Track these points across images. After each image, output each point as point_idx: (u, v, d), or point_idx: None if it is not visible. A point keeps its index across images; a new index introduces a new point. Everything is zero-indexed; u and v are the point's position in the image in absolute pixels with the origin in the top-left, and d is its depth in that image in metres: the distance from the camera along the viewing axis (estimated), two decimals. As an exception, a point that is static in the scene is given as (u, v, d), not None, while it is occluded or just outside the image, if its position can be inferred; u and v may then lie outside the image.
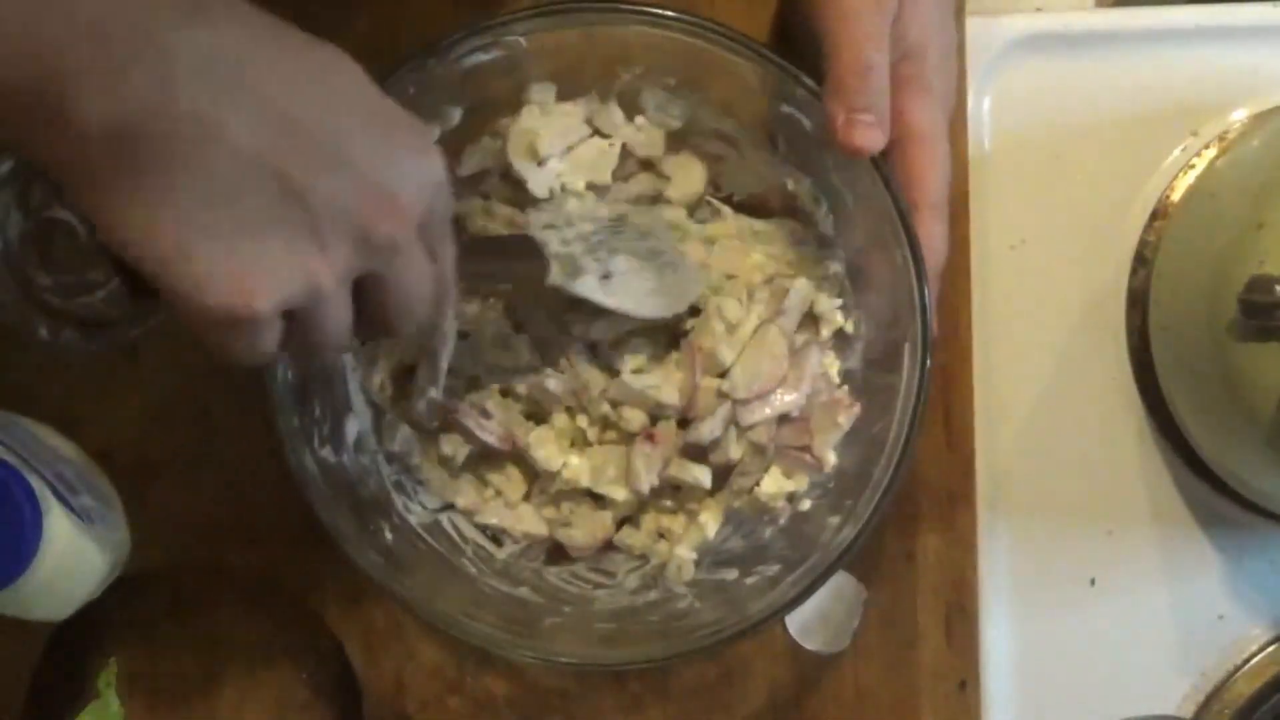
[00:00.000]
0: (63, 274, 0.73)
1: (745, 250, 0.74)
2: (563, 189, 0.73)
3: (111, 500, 0.74)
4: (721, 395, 0.72)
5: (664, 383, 0.72)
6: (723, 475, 0.73)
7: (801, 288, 0.73)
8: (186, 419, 0.76)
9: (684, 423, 0.73)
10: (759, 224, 0.75)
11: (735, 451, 0.72)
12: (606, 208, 0.73)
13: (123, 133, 0.49)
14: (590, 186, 0.73)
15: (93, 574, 0.70)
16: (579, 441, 0.73)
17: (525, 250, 0.69)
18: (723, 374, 0.72)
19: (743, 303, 0.73)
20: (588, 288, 0.70)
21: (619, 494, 0.72)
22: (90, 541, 0.69)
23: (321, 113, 0.52)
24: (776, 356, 0.72)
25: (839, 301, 0.74)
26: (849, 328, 0.74)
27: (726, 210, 0.75)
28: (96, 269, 0.73)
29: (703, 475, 0.72)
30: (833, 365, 0.73)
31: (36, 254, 0.73)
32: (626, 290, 0.71)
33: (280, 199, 0.51)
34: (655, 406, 0.72)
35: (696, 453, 0.72)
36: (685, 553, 0.73)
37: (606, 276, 0.70)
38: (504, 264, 0.68)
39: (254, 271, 0.52)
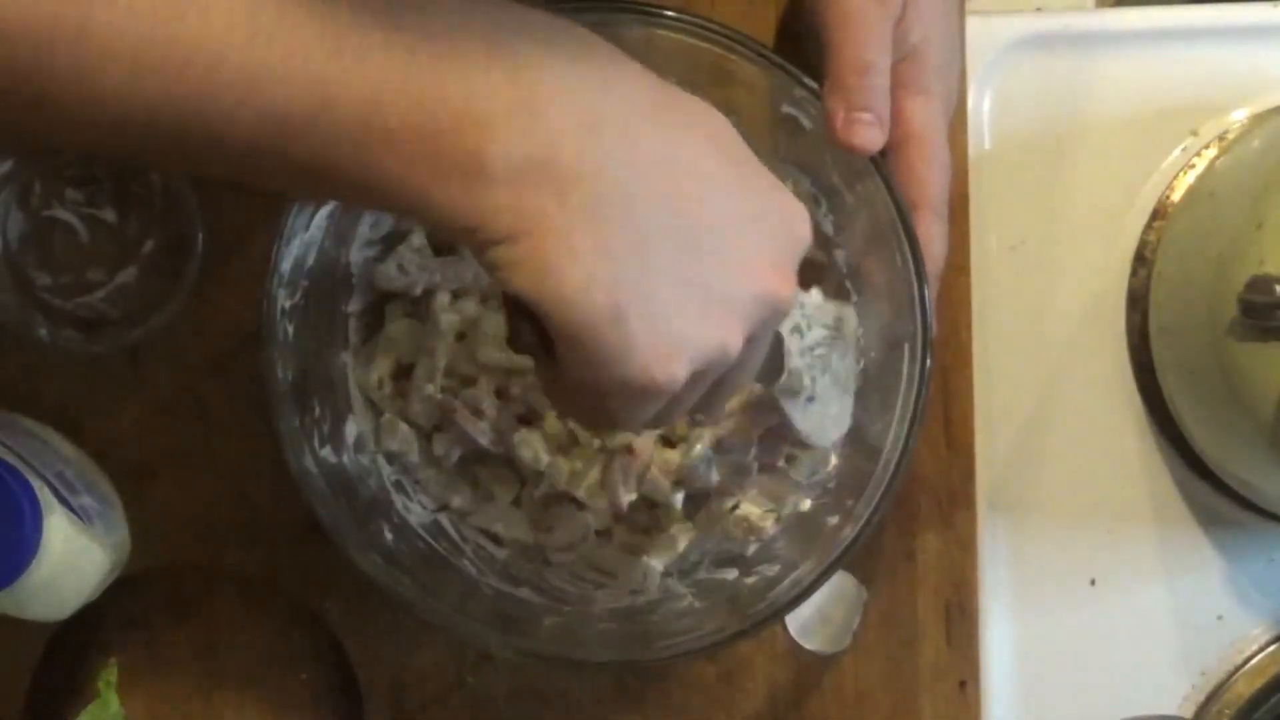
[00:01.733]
0: (63, 274, 0.73)
1: None
2: None
3: (111, 500, 0.74)
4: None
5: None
6: (701, 498, 0.73)
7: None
8: (186, 419, 0.76)
9: (668, 444, 0.73)
10: None
11: (715, 475, 0.72)
12: (831, 307, 0.71)
13: (550, 173, 0.47)
14: None
15: (93, 574, 0.70)
16: (567, 446, 0.73)
17: (775, 348, 0.64)
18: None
19: None
20: (794, 408, 0.68)
21: (598, 501, 0.72)
22: (90, 541, 0.69)
23: (707, 170, 0.51)
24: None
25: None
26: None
27: None
28: (96, 269, 0.73)
29: (675, 498, 0.72)
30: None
31: (36, 254, 0.73)
32: (816, 417, 0.69)
33: (692, 263, 0.50)
34: None
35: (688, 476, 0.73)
36: (655, 563, 0.73)
37: (810, 399, 0.68)
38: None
39: (678, 338, 0.50)
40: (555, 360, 0.51)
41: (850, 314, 0.71)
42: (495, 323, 0.73)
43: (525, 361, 0.72)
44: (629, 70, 0.52)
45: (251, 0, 0.45)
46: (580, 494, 0.72)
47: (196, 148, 0.46)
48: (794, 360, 0.66)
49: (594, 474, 0.72)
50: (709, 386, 0.54)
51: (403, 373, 0.73)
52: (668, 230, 0.50)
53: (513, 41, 0.49)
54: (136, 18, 0.44)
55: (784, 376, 0.66)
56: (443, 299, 0.72)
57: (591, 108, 0.49)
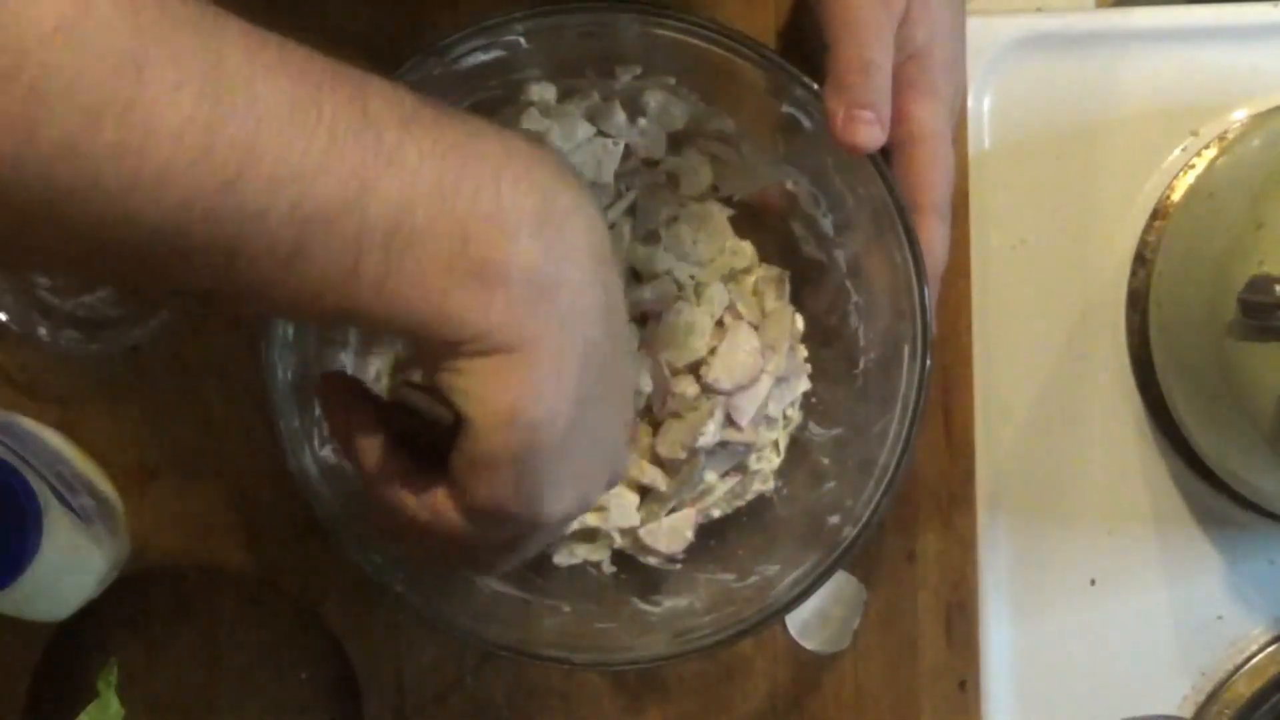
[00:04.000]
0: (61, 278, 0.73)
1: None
2: None
3: (111, 500, 0.74)
4: (706, 391, 0.72)
5: (638, 370, 0.72)
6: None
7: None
8: (186, 419, 0.76)
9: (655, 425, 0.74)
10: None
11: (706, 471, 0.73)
12: None
13: (546, 287, 0.48)
14: (594, 185, 0.73)
15: (93, 574, 0.70)
16: None
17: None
18: (695, 370, 0.72)
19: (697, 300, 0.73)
20: None
21: None
22: (90, 541, 0.69)
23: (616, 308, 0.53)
24: (750, 350, 0.72)
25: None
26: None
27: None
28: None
29: (659, 479, 0.73)
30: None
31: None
32: None
33: (619, 392, 0.53)
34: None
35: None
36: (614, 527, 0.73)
37: None
38: None
39: (583, 489, 0.53)
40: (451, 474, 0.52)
41: None
42: None
43: None
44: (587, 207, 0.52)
45: (291, 84, 0.44)
46: None
47: (214, 247, 0.44)
48: None
49: None
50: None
51: (401, 368, 0.73)
52: (608, 376, 0.51)
53: (526, 157, 0.49)
54: (181, 94, 0.42)
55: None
56: None
57: (586, 239, 0.50)
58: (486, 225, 0.47)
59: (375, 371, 0.73)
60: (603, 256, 0.51)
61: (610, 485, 0.55)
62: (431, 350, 0.49)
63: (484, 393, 0.49)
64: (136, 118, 0.41)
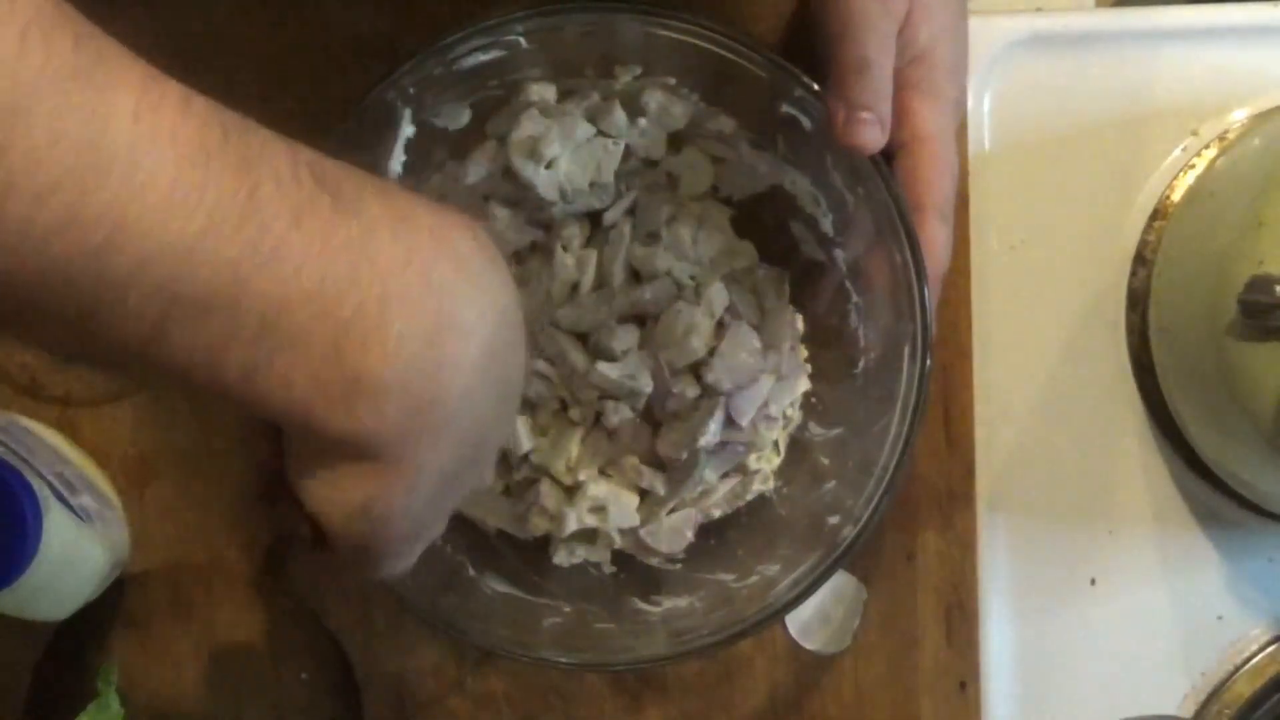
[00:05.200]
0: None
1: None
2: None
3: (111, 500, 0.74)
4: (707, 392, 0.72)
5: (639, 371, 0.72)
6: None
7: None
8: (186, 419, 0.76)
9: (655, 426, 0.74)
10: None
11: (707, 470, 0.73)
12: None
13: (409, 399, 0.46)
14: (594, 185, 0.73)
15: (93, 574, 0.70)
16: (547, 427, 0.74)
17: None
18: (695, 370, 0.72)
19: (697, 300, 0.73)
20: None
21: (566, 477, 0.73)
22: (90, 541, 0.69)
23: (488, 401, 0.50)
24: (750, 350, 0.72)
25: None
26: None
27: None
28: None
29: (658, 482, 0.73)
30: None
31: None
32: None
33: (464, 480, 0.52)
34: (630, 395, 0.72)
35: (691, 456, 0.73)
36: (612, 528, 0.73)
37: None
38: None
39: (422, 543, 0.53)
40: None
41: None
42: None
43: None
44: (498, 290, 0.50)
45: (177, 156, 0.41)
46: (551, 465, 0.72)
47: (74, 311, 0.42)
48: None
49: (572, 450, 0.72)
50: None
51: None
52: (483, 442, 0.51)
53: (429, 254, 0.47)
54: (54, 152, 0.39)
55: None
56: None
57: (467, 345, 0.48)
58: (365, 339, 0.45)
59: None
60: (496, 344, 0.48)
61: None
62: (294, 440, 0.49)
63: (332, 493, 0.48)
64: (1, 170, 0.39)
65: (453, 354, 0.47)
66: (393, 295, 0.45)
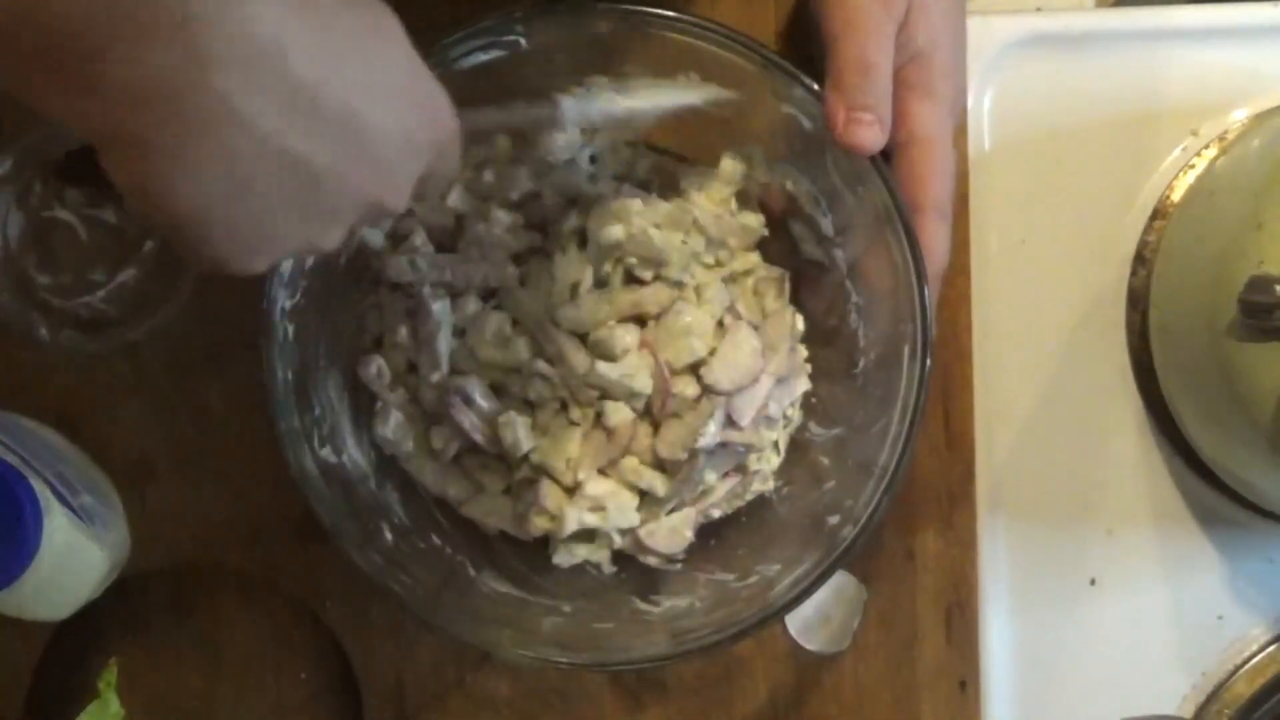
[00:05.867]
0: (63, 274, 0.73)
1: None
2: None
3: (111, 500, 0.74)
4: (707, 392, 0.72)
5: (638, 371, 0.72)
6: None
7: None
8: (186, 419, 0.76)
9: (655, 425, 0.74)
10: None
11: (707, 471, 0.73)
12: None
13: (152, 101, 0.48)
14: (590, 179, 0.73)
15: (93, 574, 0.70)
16: (547, 426, 0.74)
17: (534, 101, 0.66)
18: (695, 370, 0.72)
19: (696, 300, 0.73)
20: (603, 101, 0.67)
21: (566, 476, 0.73)
22: (90, 541, 0.69)
23: (344, 91, 0.51)
24: (750, 351, 0.72)
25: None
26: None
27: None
28: (96, 269, 0.73)
29: (658, 483, 0.73)
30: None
31: (36, 254, 0.73)
32: (641, 94, 0.69)
33: (296, 180, 0.51)
34: (630, 395, 0.72)
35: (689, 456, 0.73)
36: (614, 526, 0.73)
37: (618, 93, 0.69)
38: (508, 113, 0.65)
39: (259, 245, 0.53)
40: None
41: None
42: (496, 321, 0.73)
43: (526, 359, 0.73)
44: None
45: None
46: (551, 464, 0.72)
47: None
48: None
49: (572, 450, 0.72)
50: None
51: (401, 363, 0.74)
52: (278, 156, 0.50)
53: None
54: None
55: (562, 102, 0.66)
56: (436, 294, 0.72)
57: (237, 24, 0.48)
58: (78, 38, 0.47)
59: (375, 369, 0.73)
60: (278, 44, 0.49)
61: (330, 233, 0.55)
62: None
63: (117, 176, 0.50)
64: None
65: (196, 44, 0.47)
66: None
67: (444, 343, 0.72)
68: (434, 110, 0.56)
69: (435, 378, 0.72)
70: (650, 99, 0.69)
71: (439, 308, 0.72)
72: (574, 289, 0.73)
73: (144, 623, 0.76)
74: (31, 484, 0.65)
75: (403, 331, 0.73)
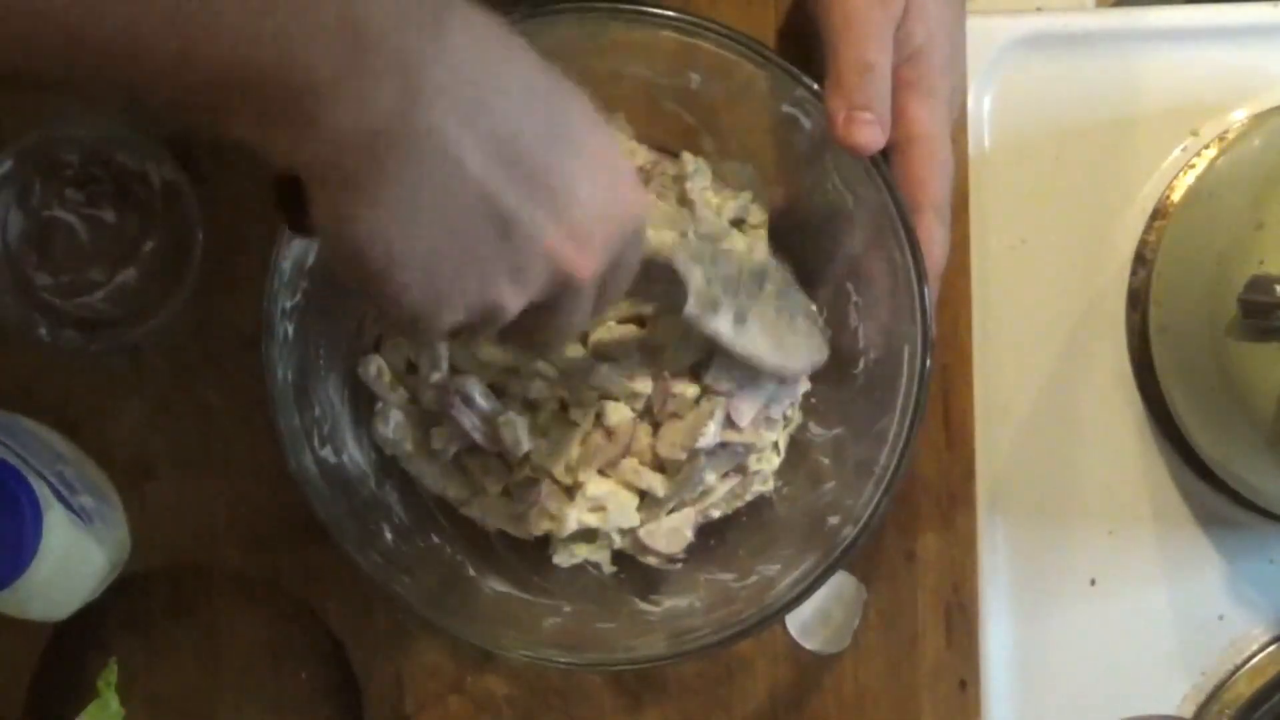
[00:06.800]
0: (63, 274, 0.73)
1: None
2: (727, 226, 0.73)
3: (111, 500, 0.74)
4: (707, 393, 0.72)
5: (638, 370, 0.72)
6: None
7: None
8: (186, 419, 0.76)
9: (655, 426, 0.74)
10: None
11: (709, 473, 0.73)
12: (757, 251, 0.73)
13: (373, 141, 0.48)
14: None
15: (93, 574, 0.70)
16: (547, 427, 0.74)
17: (664, 276, 0.67)
18: (695, 371, 0.72)
19: None
20: (722, 327, 0.69)
21: (566, 477, 0.73)
22: (90, 541, 0.69)
23: (547, 144, 0.52)
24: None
25: None
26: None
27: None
28: (96, 269, 0.73)
29: (657, 484, 0.73)
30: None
31: (36, 254, 0.73)
32: (755, 340, 0.70)
33: (492, 228, 0.51)
34: (630, 395, 0.72)
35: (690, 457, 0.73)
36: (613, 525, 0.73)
37: (741, 321, 0.69)
38: (643, 286, 0.64)
39: (447, 296, 0.52)
40: None
41: (770, 261, 0.73)
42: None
43: (525, 360, 0.73)
44: (483, 25, 0.51)
45: None
46: (558, 471, 0.72)
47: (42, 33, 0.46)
48: (698, 283, 0.67)
49: (572, 451, 0.72)
50: (480, 330, 0.56)
51: (401, 363, 0.74)
52: (481, 197, 0.51)
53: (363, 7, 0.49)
54: None
55: (690, 298, 0.67)
56: None
57: (443, 62, 0.49)
58: (302, 85, 0.47)
59: (375, 369, 0.73)
60: (470, 88, 0.50)
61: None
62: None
63: (317, 214, 0.50)
64: None
65: (383, 96, 0.48)
66: (315, 29, 0.47)
67: (442, 344, 0.72)
68: (632, 192, 0.56)
69: (435, 378, 0.72)
70: (755, 351, 0.70)
71: None
72: None
73: (144, 623, 0.76)
74: (31, 484, 0.65)
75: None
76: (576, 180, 0.53)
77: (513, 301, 0.54)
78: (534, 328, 0.57)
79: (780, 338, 0.71)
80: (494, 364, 0.73)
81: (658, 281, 0.66)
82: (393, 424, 0.73)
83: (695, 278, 0.67)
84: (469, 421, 0.72)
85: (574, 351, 0.72)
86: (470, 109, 0.49)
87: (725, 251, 0.70)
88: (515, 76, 0.51)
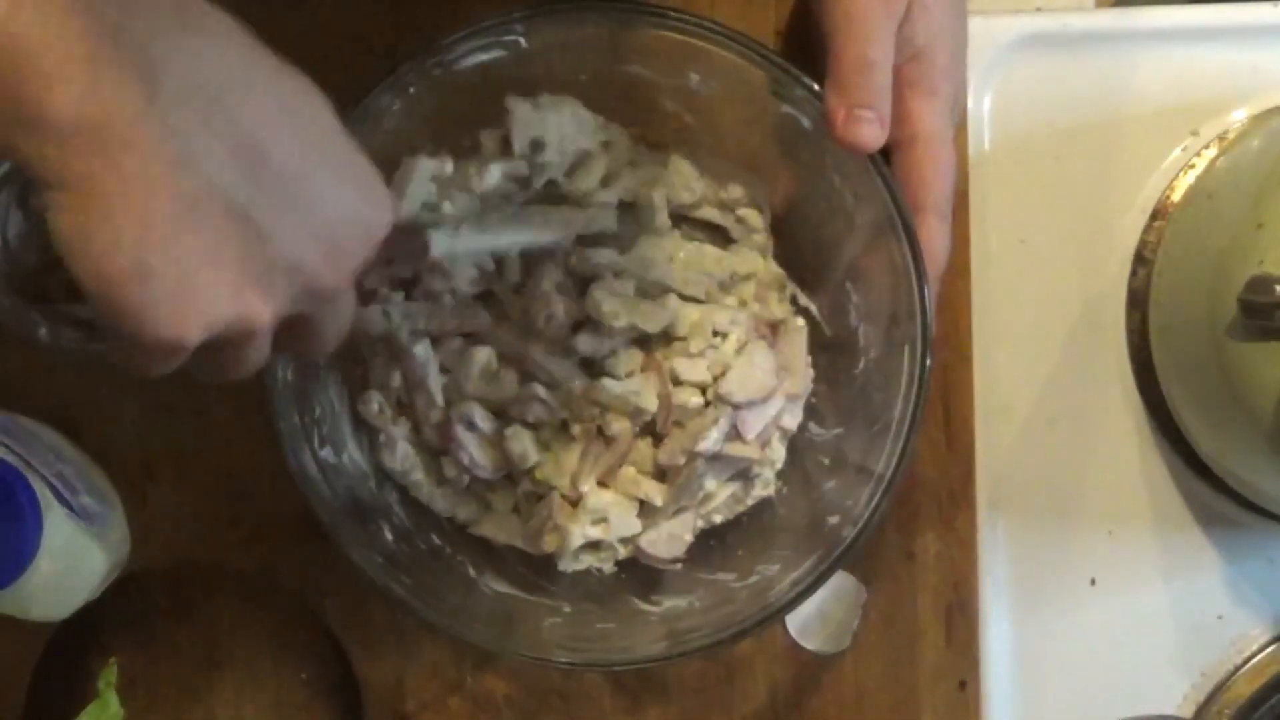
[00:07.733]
0: (63, 274, 0.73)
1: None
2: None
3: (111, 500, 0.74)
4: (718, 401, 0.72)
5: (644, 388, 0.72)
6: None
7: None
8: (186, 419, 0.76)
9: (657, 439, 0.74)
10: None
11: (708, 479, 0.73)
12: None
13: (105, 142, 0.46)
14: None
15: (93, 574, 0.70)
16: (550, 441, 0.74)
17: (398, 236, 0.64)
18: (703, 387, 0.72)
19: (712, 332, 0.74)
20: (469, 239, 0.69)
21: (570, 492, 0.73)
22: (90, 541, 0.69)
23: (290, 151, 0.51)
24: (766, 370, 0.72)
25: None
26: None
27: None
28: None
29: (656, 493, 0.73)
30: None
31: (36, 254, 0.73)
32: (506, 228, 0.70)
33: (240, 238, 0.50)
34: (635, 411, 0.72)
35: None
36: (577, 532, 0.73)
37: (483, 229, 0.70)
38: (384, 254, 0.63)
39: (197, 306, 0.50)
40: None
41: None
42: (482, 357, 0.72)
43: (517, 392, 0.73)
44: (229, 30, 0.50)
45: None
46: (564, 485, 0.72)
47: None
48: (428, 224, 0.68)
49: (574, 464, 0.72)
50: (232, 350, 0.53)
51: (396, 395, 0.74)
52: (226, 206, 0.49)
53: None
54: None
55: (432, 242, 0.68)
56: (415, 339, 0.72)
57: (185, 64, 0.48)
58: (28, 69, 0.45)
59: (376, 405, 0.73)
60: (218, 91, 0.48)
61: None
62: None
63: (55, 226, 0.48)
64: None
65: (110, 85, 0.46)
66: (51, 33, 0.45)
67: (434, 381, 0.72)
68: (378, 196, 0.55)
69: (435, 417, 0.72)
70: (509, 238, 0.71)
71: (421, 350, 0.72)
72: (548, 320, 0.72)
73: (144, 623, 0.76)
74: (31, 484, 0.65)
75: (396, 376, 0.73)
76: (323, 188, 0.52)
77: (265, 312, 0.52)
78: (303, 337, 0.56)
79: (529, 220, 0.72)
80: (488, 399, 0.73)
81: (395, 244, 0.64)
82: (400, 456, 0.73)
83: (425, 222, 0.68)
84: (468, 458, 0.72)
85: (570, 373, 0.72)
86: (215, 114, 0.48)
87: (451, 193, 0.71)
88: (259, 80, 0.50)
